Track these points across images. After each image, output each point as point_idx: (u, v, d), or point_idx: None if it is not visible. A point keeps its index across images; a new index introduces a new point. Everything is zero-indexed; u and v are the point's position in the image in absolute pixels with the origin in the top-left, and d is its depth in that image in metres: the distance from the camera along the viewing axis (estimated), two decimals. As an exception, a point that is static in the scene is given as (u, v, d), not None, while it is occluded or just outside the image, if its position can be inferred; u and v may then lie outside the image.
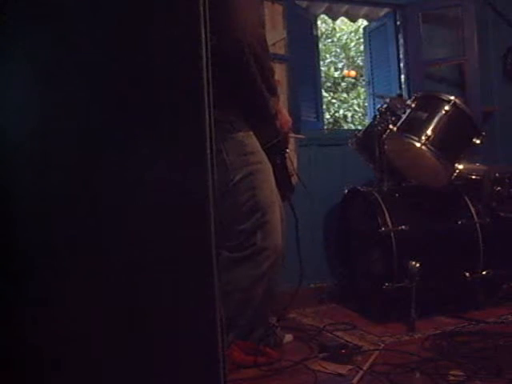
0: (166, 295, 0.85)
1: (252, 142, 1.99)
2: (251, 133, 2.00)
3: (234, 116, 1.96)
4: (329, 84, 9.22)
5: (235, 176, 1.93)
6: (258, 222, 1.94)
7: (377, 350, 2.04)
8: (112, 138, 0.85)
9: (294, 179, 2.23)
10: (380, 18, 4.27)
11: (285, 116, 2.17)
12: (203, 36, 0.86)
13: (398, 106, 2.82)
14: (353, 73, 9.20)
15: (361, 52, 8.44)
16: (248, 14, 1.88)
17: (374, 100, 4.22)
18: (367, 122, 3.85)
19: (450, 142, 2.51)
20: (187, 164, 0.86)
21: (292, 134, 2.27)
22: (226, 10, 1.80)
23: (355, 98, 9.30)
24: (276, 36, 3.33)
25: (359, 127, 6.23)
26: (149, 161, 0.85)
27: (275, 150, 2.10)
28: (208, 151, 0.86)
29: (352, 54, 9.45)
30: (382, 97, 3.02)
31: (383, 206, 2.53)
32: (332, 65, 9.41)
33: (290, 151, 2.20)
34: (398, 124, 2.59)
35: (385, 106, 2.87)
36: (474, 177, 2.73)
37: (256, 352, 1.90)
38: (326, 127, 5.27)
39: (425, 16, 3.82)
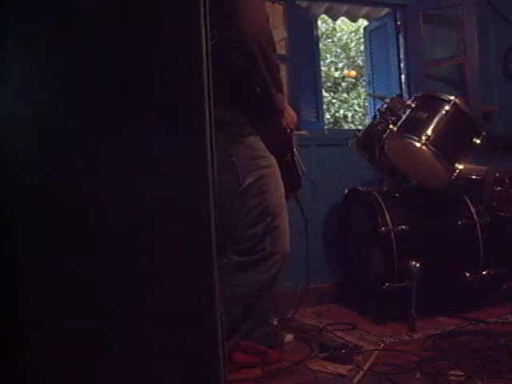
0: (167, 296, 0.85)
1: (261, 146, 1.98)
2: (259, 137, 1.98)
3: (243, 120, 1.94)
4: (329, 84, 9.21)
5: (245, 180, 1.92)
6: (267, 226, 1.93)
7: (377, 350, 2.04)
8: (112, 138, 0.85)
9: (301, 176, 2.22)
10: (380, 17, 4.27)
11: (290, 112, 2.15)
12: (203, 35, 0.86)
13: (398, 106, 2.81)
14: (353, 73, 9.20)
15: (361, 52, 8.44)
16: (254, 7, 1.85)
17: (374, 100, 4.22)
18: (367, 121, 3.85)
19: (450, 142, 2.51)
20: (187, 164, 0.86)
21: (295, 131, 2.26)
22: (231, 2, 1.78)
23: (355, 98, 9.30)
24: (276, 36, 3.32)
25: (359, 127, 6.23)
26: (148, 161, 0.85)
27: (285, 147, 2.08)
28: (208, 152, 0.86)
29: (352, 53, 9.45)
30: (381, 98, 3.01)
31: (383, 205, 2.53)
32: (332, 65, 9.41)
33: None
34: (398, 124, 2.59)
35: (385, 106, 2.87)
36: (474, 177, 2.73)
37: (257, 352, 1.90)
38: (326, 127, 5.25)
39: (425, 16, 3.82)
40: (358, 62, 9.22)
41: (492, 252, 2.58)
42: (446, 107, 2.50)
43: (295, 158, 2.13)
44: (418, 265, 2.34)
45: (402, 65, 3.96)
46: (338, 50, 9.52)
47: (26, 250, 0.82)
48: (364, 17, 4.71)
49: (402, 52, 3.95)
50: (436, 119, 2.49)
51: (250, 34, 1.81)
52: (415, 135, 2.45)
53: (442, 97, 2.56)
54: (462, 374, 1.69)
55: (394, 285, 2.40)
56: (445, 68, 3.98)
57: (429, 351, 1.99)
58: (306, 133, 2.84)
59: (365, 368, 1.83)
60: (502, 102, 3.89)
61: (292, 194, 2.14)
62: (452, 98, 2.52)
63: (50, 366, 0.82)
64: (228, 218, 1.88)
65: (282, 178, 2.02)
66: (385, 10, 4.19)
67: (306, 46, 3.78)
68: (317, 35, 4.11)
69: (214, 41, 1.65)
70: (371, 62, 4.30)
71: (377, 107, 3.05)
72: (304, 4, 4.00)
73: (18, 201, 0.83)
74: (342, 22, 8.58)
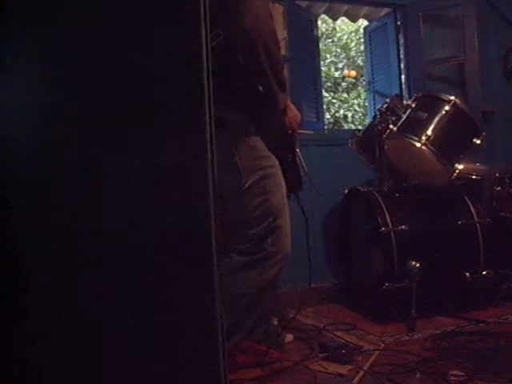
0: (167, 296, 0.85)
1: (264, 146, 1.97)
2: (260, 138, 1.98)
3: (246, 119, 1.93)
4: (329, 84, 9.22)
5: (247, 180, 1.91)
6: (269, 226, 1.93)
7: (377, 349, 2.05)
8: (111, 138, 0.85)
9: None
10: (380, 18, 4.27)
11: (293, 111, 2.13)
12: (203, 34, 0.86)
13: (399, 105, 2.82)
14: (353, 73, 9.20)
15: (361, 52, 8.44)
16: (258, 5, 1.82)
17: (374, 100, 4.22)
18: (367, 121, 3.85)
19: (450, 142, 2.51)
20: (187, 164, 0.86)
21: (300, 130, 2.24)
22: (234, 0, 1.77)
23: (355, 98, 9.30)
24: (276, 36, 3.33)
25: (359, 127, 6.22)
26: (148, 161, 0.85)
27: (286, 147, 2.07)
28: (209, 151, 0.86)
29: (352, 53, 9.45)
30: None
31: (383, 205, 2.53)
32: (332, 65, 9.41)
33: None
34: (398, 124, 2.59)
35: (385, 105, 2.87)
36: (474, 177, 2.73)
37: (257, 352, 1.90)
38: (326, 127, 5.26)
39: (425, 16, 3.82)
40: (358, 62, 9.22)
41: (492, 252, 2.58)
42: (446, 107, 2.51)
43: (297, 159, 2.12)
44: (418, 265, 2.34)
45: (402, 65, 3.96)
46: (338, 50, 9.52)
47: (24, 249, 0.83)
48: (364, 17, 4.71)
49: (402, 52, 3.95)
50: (436, 119, 2.50)
51: (255, 31, 1.79)
52: (415, 135, 2.45)
53: (442, 97, 2.56)
54: (462, 374, 1.69)
55: (393, 285, 2.40)
56: (445, 68, 3.98)
57: (429, 351, 1.99)
58: (311, 132, 2.81)
59: (365, 368, 1.83)
60: (502, 102, 3.89)
61: (293, 194, 2.13)
62: (452, 98, 2.53)
63: (48, 365, 0.82)
64: (230, 218, 1.88)
65: (284, 178, 2.02)
66: (385, 10, 4.19)
67: (306, 46, 3.77)
68: (317, 35, 4.11)
69: (217, 39, 1.64)
70: (371, 62, 4.30)
71: (377, 107, 3.05)
72: (304, 4, 4.00)
73: (16, 201, 0.83)
74: (342, 22, 8.58)
